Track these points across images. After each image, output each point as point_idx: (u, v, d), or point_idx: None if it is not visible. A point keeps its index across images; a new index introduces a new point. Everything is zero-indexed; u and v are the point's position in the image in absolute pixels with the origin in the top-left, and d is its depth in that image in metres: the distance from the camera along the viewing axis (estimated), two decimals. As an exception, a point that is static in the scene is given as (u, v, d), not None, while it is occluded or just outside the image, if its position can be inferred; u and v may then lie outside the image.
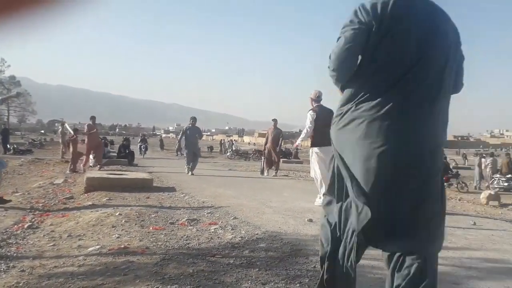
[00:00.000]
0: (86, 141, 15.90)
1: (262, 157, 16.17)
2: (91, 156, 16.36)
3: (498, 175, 21.08)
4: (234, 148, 36.54)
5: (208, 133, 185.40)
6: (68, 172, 14.86)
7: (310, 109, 7.87)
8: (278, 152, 15.40)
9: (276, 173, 15.10)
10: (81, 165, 15.80)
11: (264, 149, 15.58)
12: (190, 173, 13.75)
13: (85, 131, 16.12)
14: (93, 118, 16.63)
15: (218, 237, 4.88)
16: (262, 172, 15.43)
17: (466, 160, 42.86)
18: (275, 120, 15.58)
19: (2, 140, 28.32)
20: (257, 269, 3.61)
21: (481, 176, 22.28)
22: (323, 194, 3.78)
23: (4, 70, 44.76)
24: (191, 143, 14.10)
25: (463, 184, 19.73)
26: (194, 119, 14.59)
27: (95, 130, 16.08)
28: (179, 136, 15.02)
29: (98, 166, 15.59)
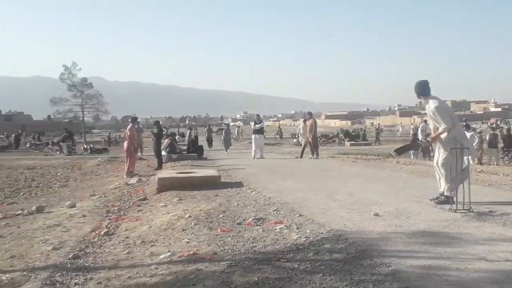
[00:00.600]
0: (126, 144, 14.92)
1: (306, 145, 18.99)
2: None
3: None
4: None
5: (275, 119, 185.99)
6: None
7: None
8: (313, 139, 18.02)
9: (316, 156, 17.58)
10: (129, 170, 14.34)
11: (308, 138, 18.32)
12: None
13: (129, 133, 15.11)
14: (134, 119, 16.50)
15: (284, 238, 4.95)
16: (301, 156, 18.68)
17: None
18: (310, 113, 19.21)
19: (62, 140, 28.88)
20: (321, 274, 3.64)
21: None
22: None
23: (76, 74, 47.09)
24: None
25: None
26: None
27: (130, 133, 15.02)
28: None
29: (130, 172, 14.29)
